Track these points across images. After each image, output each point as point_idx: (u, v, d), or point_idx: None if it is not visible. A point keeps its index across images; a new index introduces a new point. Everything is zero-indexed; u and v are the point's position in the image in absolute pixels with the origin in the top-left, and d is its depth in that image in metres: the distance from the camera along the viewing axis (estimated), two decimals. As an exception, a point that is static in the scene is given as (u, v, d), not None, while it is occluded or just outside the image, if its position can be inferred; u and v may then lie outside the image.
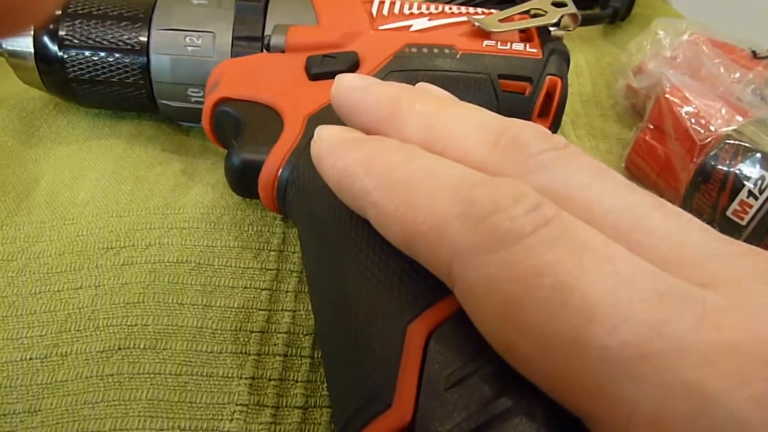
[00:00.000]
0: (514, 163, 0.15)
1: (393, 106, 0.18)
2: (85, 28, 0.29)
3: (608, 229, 0.13)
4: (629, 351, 0.11)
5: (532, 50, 0.28)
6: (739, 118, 0.29)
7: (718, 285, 0.12)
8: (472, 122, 0.17)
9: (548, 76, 0.28)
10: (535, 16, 0.29)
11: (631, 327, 0.11)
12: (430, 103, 0.17)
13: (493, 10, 0.30)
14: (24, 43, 0.29)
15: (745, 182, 0.27)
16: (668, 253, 0.13)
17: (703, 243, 0.13)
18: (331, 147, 0.17)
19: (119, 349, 0.23)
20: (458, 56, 0.28)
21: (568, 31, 0.29)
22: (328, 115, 0.24)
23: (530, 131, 0.16)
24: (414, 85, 0.20)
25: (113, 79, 0.30)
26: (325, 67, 0.26)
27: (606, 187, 0.15)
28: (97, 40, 0.29)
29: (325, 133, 0.18)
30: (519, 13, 0.29)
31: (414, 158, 0.16)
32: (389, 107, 0.18)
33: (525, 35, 0.30)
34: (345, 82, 0.19)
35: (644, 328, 0.11)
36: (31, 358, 0.22)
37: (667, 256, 0.13)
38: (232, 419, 0.21)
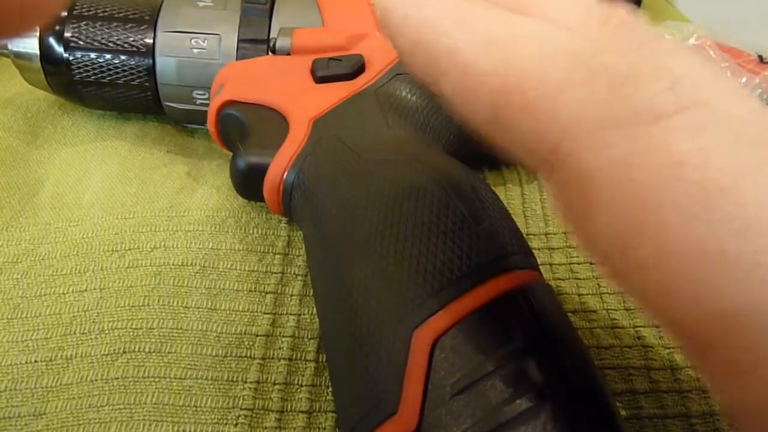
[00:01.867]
0: (627, 43, 0.13)
1: None
2: (91, 29, 0.29)
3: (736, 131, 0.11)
4: None
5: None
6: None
7: None
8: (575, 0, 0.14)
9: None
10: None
11: None
12: None
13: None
14: (30, 45, 0.29)
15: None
16: None
17: None
18: None
19: (124, 352, 0.23)
20: (464, 60, 0.28)
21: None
22: (334, 118, 0.24)
23: (639, 21, 0.13)
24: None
25: (119, 81, 0.30)
26: (330, 70, 0.26)
27: (726, 83, 0.12)
28: (103, 41, 0.29)
29: None
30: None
31: (516, 18, 0.13)
32: None
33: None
34: None
35: None
36: (35, 361, 0.22)
37: None
38: (236, 423, 0.21)
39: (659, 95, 0.11)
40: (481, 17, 0.13)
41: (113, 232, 0.26)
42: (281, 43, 0.28)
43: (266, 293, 0.25)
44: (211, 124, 0.27)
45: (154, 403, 0.21)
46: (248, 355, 0.23)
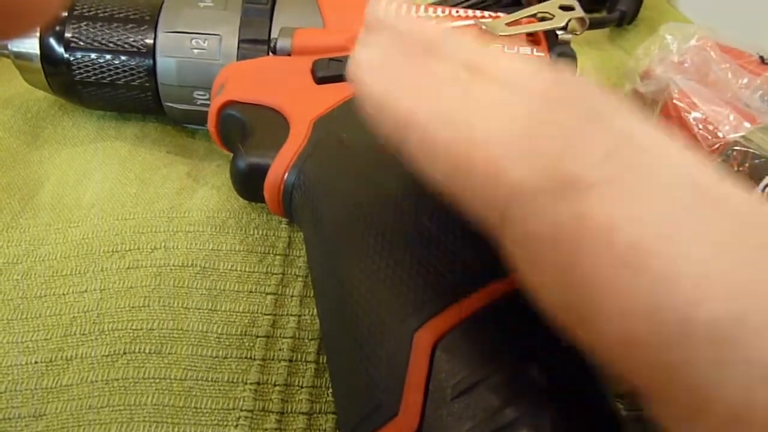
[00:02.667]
0: (572, 107, 0.13)
1: (438, 35, 0.15)
2: (91, 30, 0.29)
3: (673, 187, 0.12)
4: (716, 329, 0.10)
5: (540, 54, 0.28)
6: (747, 125, 0.29)
7: None
8: (525, 62, 0.14)
9: (555, 81, 0.28)
10: (542, 19, 0.29)
11: (719, 303, 0.10)
12: (477, 42, 0.15)
13: (500, 14, 0.30)
14: (30, 45, 0.29)
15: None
16: (750, 218, 0.11)
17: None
18: (372, 64, 0.15)
19: (124, 353, 0.23)
20: (465, 60, 0.28)
21: (576, 35, 0.29)
22: (334, 118, 0.24)
23: (586, 84, 0.14)
24: None
25: (119, 82, 0.30)
26: (331, 70, 0.26)
27: (668, 142, 0.13)
28: (103, 42, 0.29)
29: (366, 51, 0.16)
30: (526, 17, 0.29)
31: (470, 85, 0.14)
32: (434, 35, 0.15)
33: (532, 39, 0.30)
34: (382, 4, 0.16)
35: (739, 303, 0.10)
36: (35, 362, 0.22)
37: (746, 218, 0.11)
38: (237, 425, 0.21)
39: (593, 165, 0.12)
40: (440, 86, 0.14)
41: (113, 233, 0.26)
42: (282, 43, 0.28)
43: (267, 294, 0.25)
44: (211, 124, 0.26)
45: (155, 405, 0.21)
46: (248, 356, 0.23)
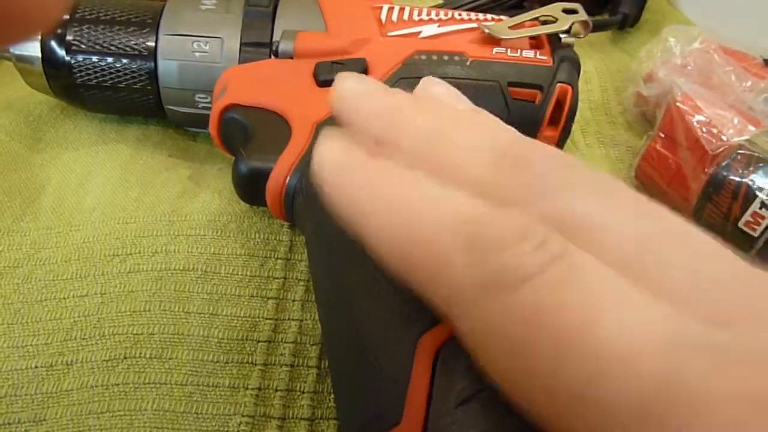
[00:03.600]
0: (517, 186, 0.14)
1: (393, 119, 0.17)
2: (93, 33, 0.29)
3: (617, 262, 0.13)
4: (637, 411, 0.10)
5: (543, 57, 0.28)
6: (752, 128, 0.28)
7: (736, 322, 0.11)
8: (474, 140, 0.16)
9: (559, 84, 0.28)
10: (545, 23, 0.29)
11: (639, 385, 0.10)
12: (432, 117, 0.17)
13: (503, 17, 0.30)
14: (31, 48, 0.29)
15: (758, 193, 0.27)
16: (680, 286, 0.12)
17: (719, 273, 0.13)
18: (332, 164, 0.16)
19: (125, 358, 0.22)
20: (468, 63, 0.28)
21: (579, 38, 0.29)
22: (336, 123, 0.24)
23: (536, 149, 0.15)
24: None
25: (120, 85, 0.29)
26: (333, 73, 0.26)
27: (615, 214, 0.14)
28: (105, 45, 0.29)
29: (326, 150, 0.17)
30: (529, 20, 0.29)
31: (417, 186, 0.15)
32: (389, 119, 0.17)
33: (535, 42, 0.29)
34: (345, 86, 0.18)
35: (654, 387, 0.10)
36: (36, 367, 0.22)
37: (679, 290, 0.12)
38: (238, 430, 0.21)
39: (526, 256, 0.12)
40: (389, 188, 0.15)
41: (114, 237, 0.26)
42: (284, 46, 0.28)
43: (268, 298, 0.25)
44: (213, 127, 0.26)
45: (155, 410, 0.21)
46: (250, 361, 0.23)
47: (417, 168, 0.15)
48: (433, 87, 0.19)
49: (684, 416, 0.10)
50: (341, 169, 0.16)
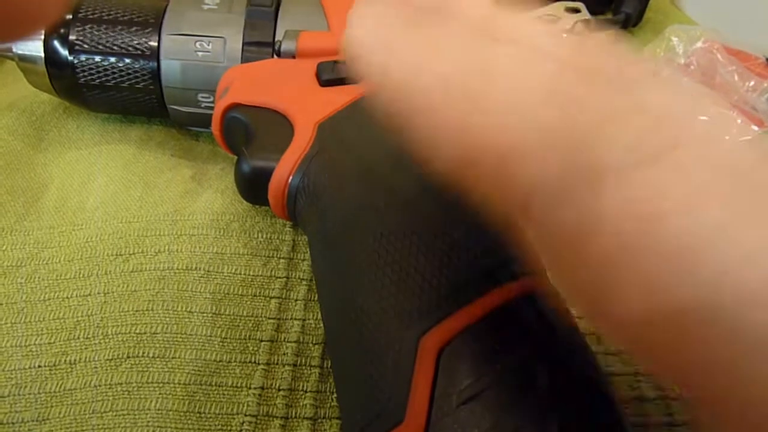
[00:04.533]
0: (604, 75, 0.12)
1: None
2: (96, 32, 0.29)
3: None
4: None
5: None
6: (755, 128, 0.28)
7: None
8: (545, 25, 0.13)
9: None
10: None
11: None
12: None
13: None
14: (34, 48, 0.29)
15: (761, 192, 0.27)
16: None
17: None
18: (369, 32, 0.13)
19: (128, 357, 0.22)
20: (470, 63, 0.28)
21: (581, 37, 0.29)
22: (339, 121, 0.24)
23: (618, 42, 0.12)
24: None
25: (123, 84, 0.30)
26: (336, 73, 0.26)
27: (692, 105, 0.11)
28: (108, 45, 0.29)
29: (361, 18, 0.14)
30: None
31: (482, 50, 0.12)
32: None
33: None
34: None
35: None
36: (39, 366, 0.22)
37: None
38: (241, 430, 0.21)
39: (641, 136, 0.10)
40: (446, 53, 0.12)
41: (117, 236, 0.26)
42: (286, 46, 0.28)
43: (271, 298, 0.25)
44: (215, 127, 0.26)
45: (158, 409, 0.21)
46: (253, 360, 0.23)
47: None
48: None
49: None
50: (385, 29, 0.13)
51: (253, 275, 0.25)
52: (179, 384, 0.22)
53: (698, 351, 0.10)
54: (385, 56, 0.13)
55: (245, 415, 0.21)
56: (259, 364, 0.23)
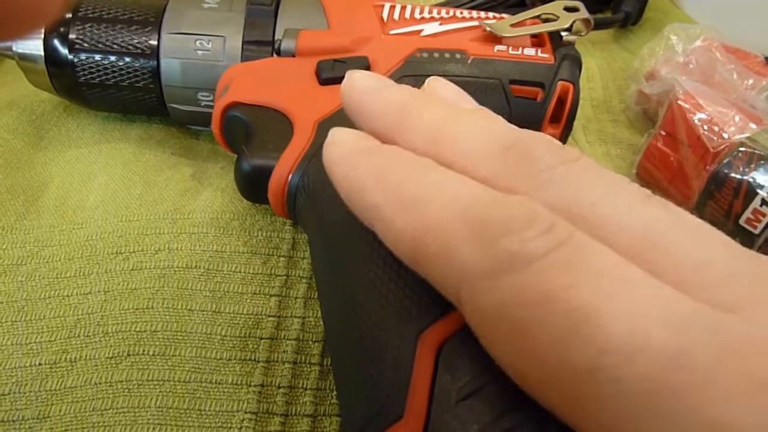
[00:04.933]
0: (524, 177, 0.15)
1: (401, 114, 0.17)
2: (96, 31, 0.29)
3: (624, 249, 0.13)
4: (646, 385, 0.11)
5: (544, 55, 0.28)
6: (753, 126, 0.28)
7: (743, 309, 0.11)
8: (481, 133, 0.16)
9: (560, 82, 0.28)
10: (546, 20, 0.29)
11: (648, 359, 0.11)
12: (438, 112, 0.17)
13: (504, 15, 0.30)
14: (34, 46, 0.29)
15: (759, 190, 0.27)
16: (687, 274, 0.12)
17: (725, 261, 0.13)
18: (343, 154, 0.17)
19: (128, 355, 0.22)
20: (469, 61, 0.28)
21: (581, 36, 0.29)
22: (338, 120, 0.24)
23: (541, 143, 0.15)
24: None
25: (123, 83, 0.30)
26: (335, 71, 0.26)
27: (621, 202, 0.14)
28: (108, 43, 0.29)
29: (338, 139, 0.17)
30: (531, 18, 0.29)
31: (425, 174, 0.15)
32: (397, 115, 0.17)
33: (537, 40, 0.29)
34: (355, 81, 0.18)
35: (663, 360, 0.11)
36: (39, 364, 0.22)
37: (685, 278, 0.12)
38: (241, 427, 0.21)
39: (531, 241, 0.12)
40: (399, 177, 0.15)
41: (117, 235, 0.26)
42: (286, 44, 0.28)
43: (271, 296, 0.25)
44: (215, 125, 0.26)
45: (158, 407, 0.21)
46: (253, 358, 0.23)
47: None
48: (438, 86, 0.20)
49: (692, 390, 0.10)
50: (350, 157, 0.16)
51: (253, 273, 0.25)
52: (179, 382, 0.22)
53: (590, 406, 0.11)
54: (353, 176, 0.16)
55: (245, 413, 0.21)
56: (259, 361, 0.23)
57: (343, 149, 0.17)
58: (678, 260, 0.13)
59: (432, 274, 0.15)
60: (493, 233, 0.13)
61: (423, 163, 0.16)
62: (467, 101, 0.19)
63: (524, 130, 0.16)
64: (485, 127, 0.16)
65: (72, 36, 0.29)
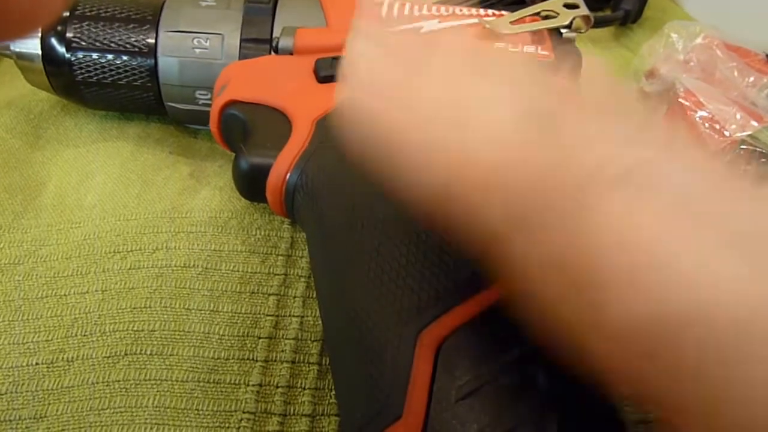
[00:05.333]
0: (553, 146, 0.13)
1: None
2: (93, 30, 0.29)
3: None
4: (730, 328, 0.10)
5: (544, 53, 0.28)
6: (755, 124, 0.28)
7: None
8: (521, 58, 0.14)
9: (560, 80, 0.27)
10: (546, 18, 0.29)
11: (731, 302, 0.10)
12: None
13: (504, 12, 0.30)
14: (31, 45, 0.29)
15: (761, 188, 0.27)
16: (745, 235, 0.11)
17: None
18: (363, 74, 0.14)
19: (126, 354, 0.22)
20: (469, 59, 0.28)
21: (580, 33, 0.29)
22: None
23: (564, 107, 0.13)
24: None
25: (121, 82, 0.29)
26: (334, 69, 0.26)
27: (665, 161, 0.12)
28: (105, 42, 0.29)
29: (359, 50, 0.15)
30: (530, 15, 0.29)
31: (470, 80, 0.13)
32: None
33: (536, 37, 0.29)
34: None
35: (750, 301, 0.10)
36: (37, 363, 0.22)
37: (743, 239, 0.11)
38: (239, 427, 0.21)
39: (603, 160, 0.11)
40: (434, 88, 0.13)
41: (115, 234, 0.26)
42: (284, 42, 0.28)
43: (269, 295, 0.24)
44: (213, 124, 0.26)
45: (156, 406, 0.21)
46: (251, 357, 0.23)
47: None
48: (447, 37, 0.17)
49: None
50: (378, 77, 0.14)
51: (251, 272, 0.25)
52: (177, 381, 0.22)
53: (670, 357, 0.10)
54: (376, 100, 0.14)
55: (243, 412, 0.21)
56: (257, 361, 0.23)
57: (366, 68, 0.14)
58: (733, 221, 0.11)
59: (467, 209, 0.12)
60: (552, 161, 0.11)
61: (459, 78, 0.13)
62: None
63: (542, 85, 0.14)
64: (528, 58, 0.14)
65: (69, 34, 0.29)
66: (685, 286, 0.10)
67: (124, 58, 0.29)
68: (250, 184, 0.24)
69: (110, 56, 0.29)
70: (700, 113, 0.30)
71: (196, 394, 0.22)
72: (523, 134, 0.12)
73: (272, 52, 0.28)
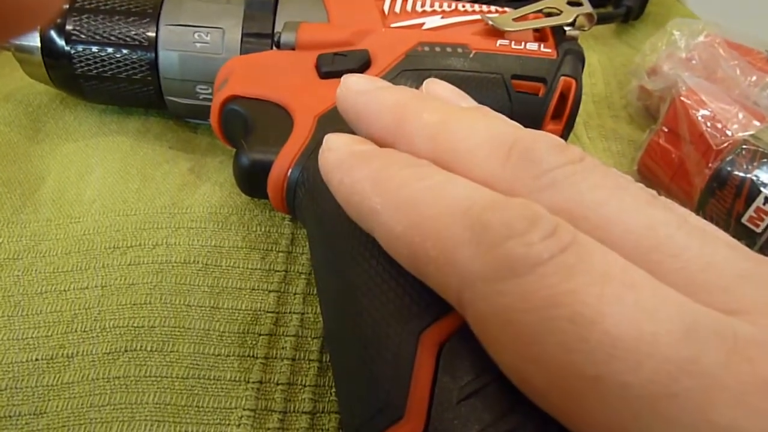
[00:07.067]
0: (525, 178, 0.14)
1: (399, 116, 0.17)
2: (93, 23, 0.29)
3: (628, 251, 0.13)
4: (654, 389, 0.11)
5: (547, 50, 0.28)
6: (757, 123, 0.28)
7: (749, 312, 0.11)
8: (481, 133, 0.16)
9: (563, 77, 0.27)
10: (549, 15, 0.29)
11: (655, 364, 0.11)
12: (437, 113, 0.17)
13: (507, 9, 0.30)
14: (31, 38, 0.29)
15: (762, 189, 0.27)
16: (694, 276, 0.12)
17: (732, 263, 0.12)
18: (339, 160, 0.16)
19: (126, 350, 0.22)
20: (471, 56, 0.27)
21: (584, 30, 0.29)
22: (338, 115, 0.24)
23: (543, 143, 0.15)
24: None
25: (121, 75, 0.29)
26: (336, 65, 0.26)
27: (625, 203, 0.14)
28: (105, 35, 0.29)
29: (333, 144, 0.17)
30: (533, 12, 0.29)
31: (423, 176, 0.15)
32: (395, 116, 0.17)
33: (539, 35, 0.29)
34: (351, 85, 0.18)
35: (670, 366, 0.11)
36: (36, 359, 0.22)
37: (692, 280, 0.12)
38: (239, 424, 0.21)
39: (535, 245, 0.12)
40: (396, 180, 0.15)
41: (115, 229, 0.26)
42: (286, 37, 0.27)
43: (269, 292, 0.24)
44: (214, 119, 0.26)
45: (156, 403, 0.21)
46: (251, 354, 0.23)
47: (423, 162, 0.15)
48: (436, 87, 0.19)
49: (699, 395, 0.10)
50: (346, 162, 0.16)
51: (251, 269, 0.25)
52: (177, 378, 0.22)
53: (595, 411, 0.11)
54: (351, 181, 0.16)
55: (243, 410, 0.21)
56: (257, 358, 0.23)
57: (338, 155, 0.17)
58: (683, 262, 0.12)
59: (432, 278, 0.14)
60: (494, 237, 0.12)
61: (421, 165, 0.15)
62: (466, 101, 0.19)
63: (526, 129, 0.16)
64: (486, 127, 0.16)
65: (69, 27, 0.29)
66: (608, 350, 0.11)
67: (124, 51, 0.29)
68: (251, 180, 0.24)
69: (110, 49, 0.29)
70: (702, 112, 0.30)
71: (196, 391, 0.22)
72: (467, 216, 0.13)
73: (274, 47, 0.28)
